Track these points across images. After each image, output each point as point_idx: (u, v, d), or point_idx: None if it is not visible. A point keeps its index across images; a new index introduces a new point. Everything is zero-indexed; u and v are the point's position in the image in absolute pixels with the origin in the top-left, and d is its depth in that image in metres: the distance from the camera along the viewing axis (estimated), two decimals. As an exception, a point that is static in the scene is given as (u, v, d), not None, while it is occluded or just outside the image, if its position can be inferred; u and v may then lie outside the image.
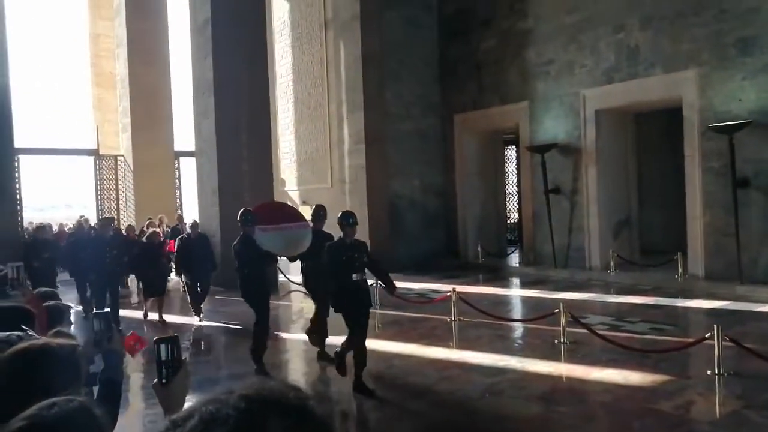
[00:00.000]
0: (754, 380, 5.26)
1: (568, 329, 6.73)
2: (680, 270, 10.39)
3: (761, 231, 9.32)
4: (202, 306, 9.23)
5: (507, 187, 16.79)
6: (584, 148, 11.83)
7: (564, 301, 7.33)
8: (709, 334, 5.54)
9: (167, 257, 10.13)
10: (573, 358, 6.38)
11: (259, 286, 6.12)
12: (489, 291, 10.69)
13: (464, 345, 7.07)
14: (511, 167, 17.25)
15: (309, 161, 16.52)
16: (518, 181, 15.41)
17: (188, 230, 9.61)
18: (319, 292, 6.37)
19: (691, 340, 6.05)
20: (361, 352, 5.36)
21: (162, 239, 9.93)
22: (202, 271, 9.20)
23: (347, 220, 5.57)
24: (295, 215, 6.72)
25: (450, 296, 8.11)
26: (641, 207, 12.66)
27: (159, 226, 12.83)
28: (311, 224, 6.53)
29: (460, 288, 8.72)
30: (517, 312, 9.29)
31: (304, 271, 6.67)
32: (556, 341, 6.76)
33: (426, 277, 12.11)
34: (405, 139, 14.39)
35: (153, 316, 9.27)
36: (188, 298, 9.39)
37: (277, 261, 6.35)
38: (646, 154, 13.08)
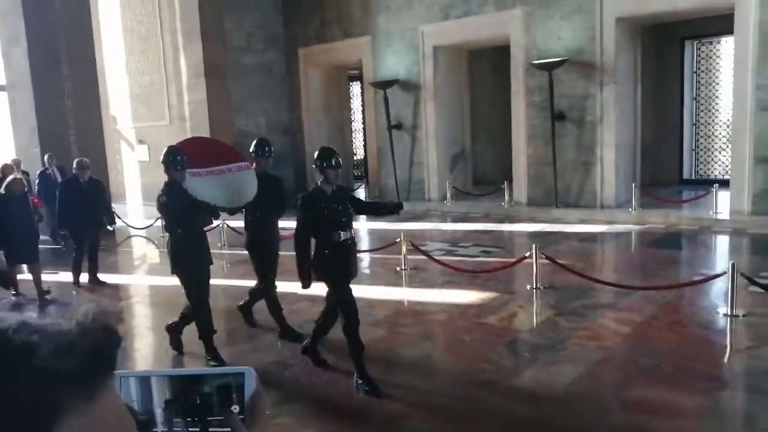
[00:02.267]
0: (565, 291, 6.04)
1: (408, 257, 7.20)
2: (507, 198, 11.40)
3: (573, 160, 10.46)
4: (98, 275, 7.47)
5: (353, 123, 16.99)
6: (423, 84, 12.26)
7: (405, 231, 7.77)
8: (528, 253, 6.25)
9: (37, 213, 8.01)
10: (413, 282, 6.88)
11: (196, 250, 4.73)
12: (336, 225, 10.95)
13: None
14: (356, 103, 17.41)
15: (144, 96, 15.35)
16: (363, 118, 15.66)
17: (74, 171, 7.33)
18: (269, 254, 5.36)
19: (513, 259, 6.75)
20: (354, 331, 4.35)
21: (26, 189, 7.42)
22: (96, 227, 7.42)
23: (329, 160, 4.14)
24: (233, 154, 5.38)
25: (298, 232, 8.21)
26: (474, 141, 13.54)
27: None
28: (253, 165, 5.27)
29: (307, 223, 8.84)
30: (363, 244, 9.66)
31: (248, 226, 5.37)
32: (398, 268, 7.22)
33: (274, 214, 12.06)
34: (248, 73, 13.90)
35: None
36: (72, 263, 7.42)
37: (218, 215, 4.87)
38: (478, 90, 13.88)
